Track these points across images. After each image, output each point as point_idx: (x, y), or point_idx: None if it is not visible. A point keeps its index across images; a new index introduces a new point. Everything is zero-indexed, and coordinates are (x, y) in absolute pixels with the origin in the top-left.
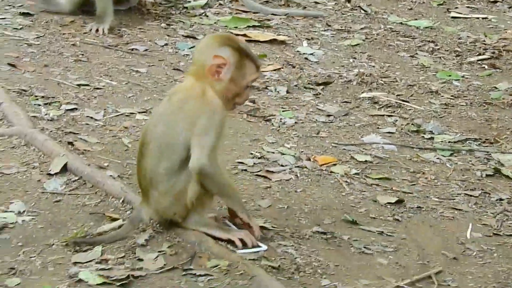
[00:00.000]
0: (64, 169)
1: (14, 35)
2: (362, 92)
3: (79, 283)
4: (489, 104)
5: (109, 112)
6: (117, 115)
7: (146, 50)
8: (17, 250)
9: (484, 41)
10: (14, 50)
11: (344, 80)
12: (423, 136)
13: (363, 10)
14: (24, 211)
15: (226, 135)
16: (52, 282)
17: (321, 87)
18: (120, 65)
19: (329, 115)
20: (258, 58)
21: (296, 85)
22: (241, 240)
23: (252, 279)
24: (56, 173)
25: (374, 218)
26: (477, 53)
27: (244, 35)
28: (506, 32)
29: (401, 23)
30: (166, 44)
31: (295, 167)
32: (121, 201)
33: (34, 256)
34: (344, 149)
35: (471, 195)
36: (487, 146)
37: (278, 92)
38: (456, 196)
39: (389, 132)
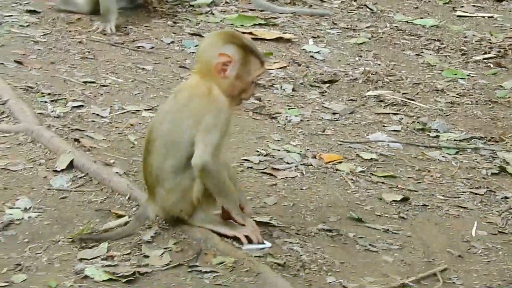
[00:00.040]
0: (70, 166)
1: (20, 32)
2: (368, 90)
3: (85, 279)
4: (495, 103)
5: (115, 110)
6: (123, 113)
7: (152, 47)
8: (23, 247)
9: (490, 40)
10: (21, 47)
11: (350, 78)
12: (428, 134)
13: (369, 8)
14: (30, 208)
15: (231, 133)
16: (58, 278)
17: (327, 85)
18: (126, 62)
19: (334, 113)
20: (262, 53)
21: (302, 83)
22: (247, 237)
23: (258, 276)
24: (62, 170)
25: (379, 216)
26: (483, 52)
27: (250, 33)
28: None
29: (407, 21)
30: (172, 42)
31: (301, 164)
32: (127, 198)
33: (40, 253)
34: (350, 147)
35: (476, 193)
36: (492, 144)
37: (284, 90)
38: (462, 194)
39: (394, 130)
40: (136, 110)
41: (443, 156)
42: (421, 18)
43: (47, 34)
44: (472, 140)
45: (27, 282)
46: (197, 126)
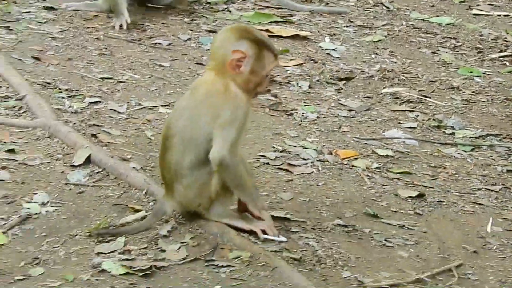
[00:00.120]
0: (88, 160)
1: (38, 28)
2: (384, 88)
3: (102, 273)
4: (510, 100)
5: (132, 105)
6: (140, 108)
7: (169, 44)
8: (41, 240)
9: (506, 38)
10: (38, 44)
11: (366, 76)
12: (444, 131)
13: (385, 6)
14: (47, 202)
15: (248, 129)
16: (75, 272)
17: (343, 82)
18: (143, 59)
19: (350, 110)
20: (275, 46)
21: (318, 80)
22: (263, 231)
23: (274, 270)
24: (79, 165)
25: (395, 211)
26: (499, 50)
27: (267, 30)
28: None
29: (423, 19)
30: (189, 39)
31: (317, 160)
32: (143, 192)
33: (58, 246)
34: (366, 143)
35: (491, 190)
36: (507, 141)
37: (300, 87)
38: (477, 191)
39: (410, 127)
40: (153, 106)
41: (458, 153)
42: (437, 16)
43: (65, 30)
44: (488, 138)
45: (44, 275)
46: (214, 122)
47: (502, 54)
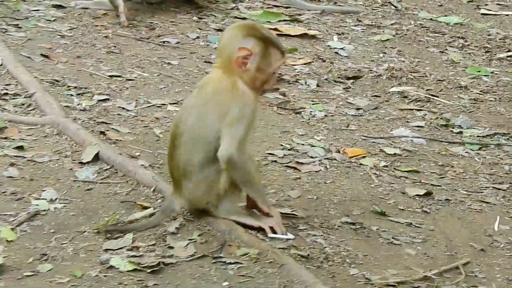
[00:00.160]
0: (96, 158)
1: (47, 26)
2: (392, 87)
3: (110, 269)
4: None
5: (141, 103)
6: (149, 106)
7: (177, 42)
8: (49, 237)
9: None
10: (47, 41)
11: (374, 75)
12: (451, 130)
13: (394, 6)
14: (56, 199)
15: (256, 127)
16: (84, 268)
17: (351, 81)
18: (152, 57)
19: (358, 109)
20: (283, 44)
21: (326, 79)
22: (271, 228)
23: (281, 267)
24: (88, 162)
25: (402, 209)
26: (507, 50)
27: (275, 29)
28: None
29: (431, 19)
30: (197, 37)
31: (325, 159)
32: (152, 190)
33: (66, 243)
34: (374, 142)
35: (499, 189)
36: None
37: (308, 85)
38: (484, 189)
39: (418, 126)
40: (162, 104)
41: (466, 152)
42: (445, 15)
43: (74, 28)
44: (495, 136)
45: (53, 271)
46: (222, 120)
47: (510, 53)
